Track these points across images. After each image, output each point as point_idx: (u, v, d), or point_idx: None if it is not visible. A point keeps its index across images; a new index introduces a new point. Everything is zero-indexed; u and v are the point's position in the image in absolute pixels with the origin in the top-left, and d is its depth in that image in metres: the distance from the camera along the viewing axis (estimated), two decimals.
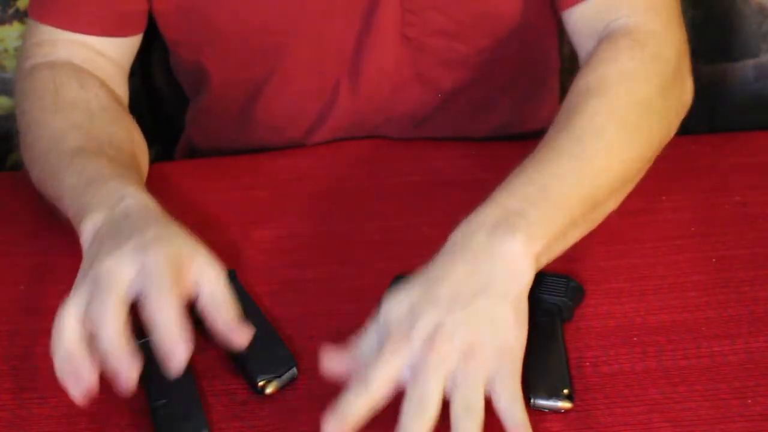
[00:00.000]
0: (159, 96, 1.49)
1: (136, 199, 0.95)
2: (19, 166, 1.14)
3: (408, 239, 1.08)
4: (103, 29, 1.15)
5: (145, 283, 0.86)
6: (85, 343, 0.86)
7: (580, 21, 1.11)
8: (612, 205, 0.99)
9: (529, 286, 0.90)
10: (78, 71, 1.13)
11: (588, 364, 0.94)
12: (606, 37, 1.07)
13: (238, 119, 1.27)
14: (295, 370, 0.93)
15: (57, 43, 1.14)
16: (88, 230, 0.94)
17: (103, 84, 1.13)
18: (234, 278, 0.99)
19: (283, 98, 1.23)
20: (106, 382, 0.93)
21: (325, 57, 1.19)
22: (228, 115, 1.28)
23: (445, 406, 0.83)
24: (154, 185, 1.13)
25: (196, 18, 1.17)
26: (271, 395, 0.92)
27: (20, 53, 1.18)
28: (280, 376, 0.92)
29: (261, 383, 0.91)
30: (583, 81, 1.02)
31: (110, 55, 1.16)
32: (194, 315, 0.98)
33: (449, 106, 1.25)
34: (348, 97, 1.22)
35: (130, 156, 1.06)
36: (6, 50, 1.39)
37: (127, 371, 0.84)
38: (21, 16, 1.37)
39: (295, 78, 1.21)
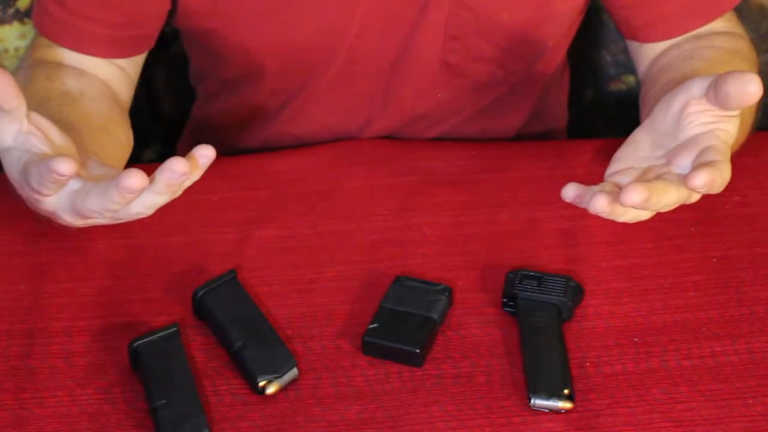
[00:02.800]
0: (159, 96, 1.49)
1: None
2: None
3: (408, 239, 1.08)
4: (106, 51, 1.14)
5: None
6: None
7: (658, 47, 1.19)
8: None
9: None
10: (56, 66, 1.11)
11: (590, 364, 0.94)
12: (715, 32, 1.17)
13: (264, 126, 1.26)
14: (295, 370, 0.93)
15: (54, 48, 1.13)
16: None
17: (82, 75, 1.11)
18: (234, 278, 0.99)
19: (312, 113, 1.22)
20: (108, 382, 0.93)
21: (359, 77, 1.19)
22: (253, 122, 1.27)
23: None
24: None
25: (228, 36, 1.16)
26: (272, 395, 0.92)
27: (24, 54, 1.18)
28: (280, 376, 0.92)
29: (262, 383, 0.91)
30: (716, 53, 1.13)
31: (115, 62, 1.15)
32: (196, 312, 0.98)
33: (474, 120, 1.26)
34: (379, 117, 1.22)
35: (66, 128, 1.04)
36: (6, 50, 1.39)
37: None
38: (21, 16, 1.37)
39: (326, 95, 1.21)
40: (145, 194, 0.84)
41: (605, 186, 0.91)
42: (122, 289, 1.02)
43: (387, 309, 0.98)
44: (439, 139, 1.24)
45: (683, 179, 0.86)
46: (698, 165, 0.85)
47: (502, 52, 1.18)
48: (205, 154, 0.85)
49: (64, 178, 0.82)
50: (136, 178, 0.80)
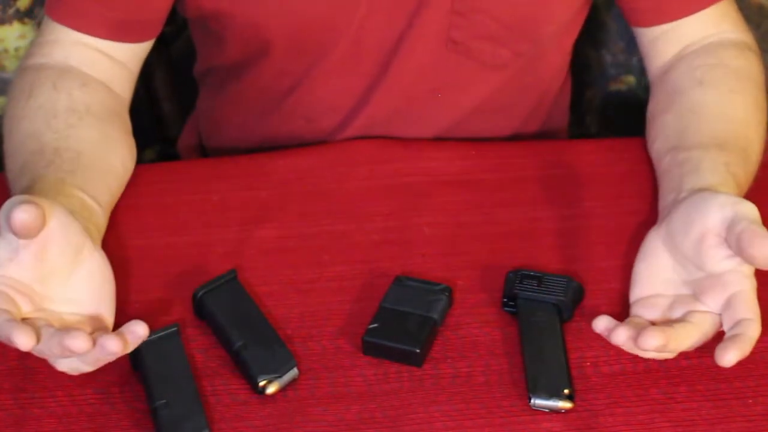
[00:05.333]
0: (159, 96, 1.49)
1: None
2: None
3: (408, 239, 1.08)
4: (114, 34, 1.14)
5: None
6: None
7: (670, 33, 1.18)
8: None
9: None
10: (61, 72, 1.12)
11: (589, 364, 0.94)
12: (725, 44, 1.18)
13: (272, 110, 1.26)
14: (295, 370, 0.93)
15: (59, 43, 1.13)
16: None
17: (87, 84, 1.11)
18: (234, 278, 0.99)
19: (320, 91, 1.22)
20: (107, 381, 0.93)
21: (365, 55, 1.19)
22: (260, 107, 1.27)
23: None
24: (155, 185, 1.14)
25: (238, 17, 1.16)
26: (272, 395, 0.92)
27: (28, 48, 1.18)
28: (280, 376, 0.92)
29: (262, 383, 0.91)
30: (726, 77, 1.14)
31: (117, 58, 1.15)
32: (196, 312, 0.98)
33: (480, 110, 1.25)
34: (383, 96, 1.21)
35: (73, 158, 1.04)
36: (6, 50, 1.39)
37: None
38: (21, 16, 1.37)
39: (332, 73, 1.20)
40: (73, 359, 0.88)
41: (634, 321, 0.93)
42: (122, 289, 1.02)
43: (387, 309, 0.98)
44: (439, 139, 1.24)
45: (708, 319, 0.90)
46: (729, 339, 0.87)
47: (507, 30, 1.18)
48: (135, 330, 0.86)
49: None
50: (80, 341, 0.82)
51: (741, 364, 0.93)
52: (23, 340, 0.82)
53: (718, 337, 0.96)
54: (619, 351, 0.95)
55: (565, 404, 0.90)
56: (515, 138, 1.30)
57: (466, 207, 1.12)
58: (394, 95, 1.21)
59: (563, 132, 1.39)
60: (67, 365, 0.90)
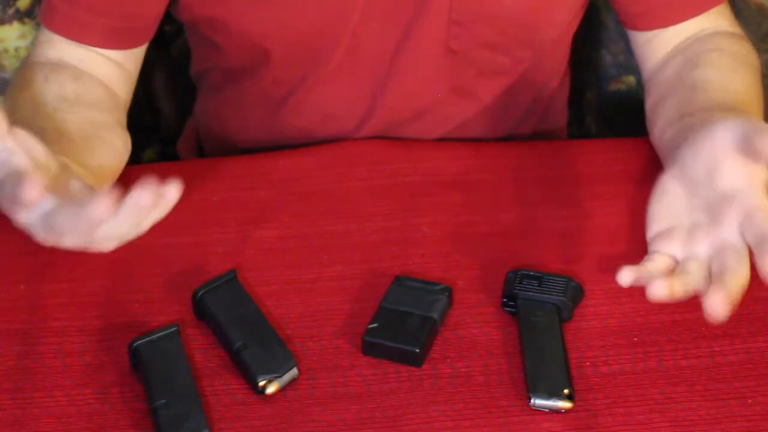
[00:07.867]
0: (159, 96, 1.49)
1: None
2: None
3: (408, 239, 1.08)
4: (108, 42, 1.14)
5: None
6: None
7: (664, 33, 1.19)
8: None
9: None
10: (54, 66, 1.12)
11: (588, 364, 0.94)
12: (721, 33, 1.18)
13: (269, 117, 1.26)
14: (295, 370, 0.93)
15: (54, 44, 1.14)
16: None
17: (80, 78, 1.12)
18: (234, 278, 0.99)
19: (316, 103, 1.22)
20: (106, 381, 0.93)
21: (362, 64, 1.19)
22: (257, 113, 1.27)
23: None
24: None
25: (231, 25, 1.16)
26: (272, 395, 0.92)
27: (28, 51, 1.18)
28: (280, 376, 0.92)
29: (261, 383, 0.91)
30: (723, 59, 1.15)
31: (114, 59, 1.16)
32: (196, 312, 0.99)
33: (480, 113, 1.25)
34: (383, 105, 1.21)
35: (56, 135, 1.03)
36: (6, 50, 1.39)
37: None
38: (21, 16, 1.37)
39: (330, 83, 1.21)
40: (109, 223, 0.85)
41: (657, 260, 0.93)
42: (122, 289, 1.03)
43: (387, 309, 0.98)
44: (439, 139, 1.24)
45: (740, 252, 0.89)
46: (761, 249, 0.86)
47: (506, 38, 1.18)
48: (170, 192, 0.86)
49: (29, 201, 0.83)
50: (105, 202, 0.82)
51: (741, 364, 0.94)
52: (28, 193, 0.82)
53: (718, 336, 0.96)
54: (618, 351, 0.95)
55: (565, 404, 0.90)
56: (511, 137, 1.30)
57: (466, 207, 1.12)
58: (394, 104, 1.21)
59: (562, 131, 1.39)
60: (104, 234, 0.87)
